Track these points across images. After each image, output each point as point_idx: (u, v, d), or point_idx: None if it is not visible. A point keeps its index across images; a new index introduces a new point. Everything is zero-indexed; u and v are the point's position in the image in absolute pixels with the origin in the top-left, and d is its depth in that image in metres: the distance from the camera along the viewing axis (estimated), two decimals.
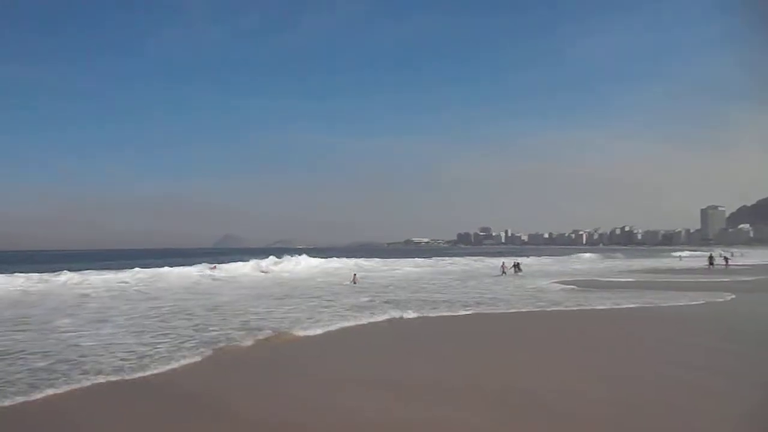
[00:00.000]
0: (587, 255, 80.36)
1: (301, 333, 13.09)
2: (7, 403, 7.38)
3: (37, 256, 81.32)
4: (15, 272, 29.64)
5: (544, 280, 32.01)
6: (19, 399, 7.51)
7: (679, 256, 76.27)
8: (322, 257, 50.09)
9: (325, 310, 17.36)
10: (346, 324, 14.58)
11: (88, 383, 8.36)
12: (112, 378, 8.67)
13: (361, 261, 51.76)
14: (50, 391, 7.87)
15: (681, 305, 18.39)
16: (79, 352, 10.51)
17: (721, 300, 19.92)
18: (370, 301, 20.09)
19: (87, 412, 7.21)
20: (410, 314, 16.31)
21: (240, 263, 40.74)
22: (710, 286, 25.86)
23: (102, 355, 10.27)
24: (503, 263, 41.00)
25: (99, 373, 8.87)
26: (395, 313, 16.45)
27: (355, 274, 31.52)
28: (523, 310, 17.73)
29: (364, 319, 15.39)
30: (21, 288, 25.26)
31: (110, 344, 11.34)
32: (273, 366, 9.87)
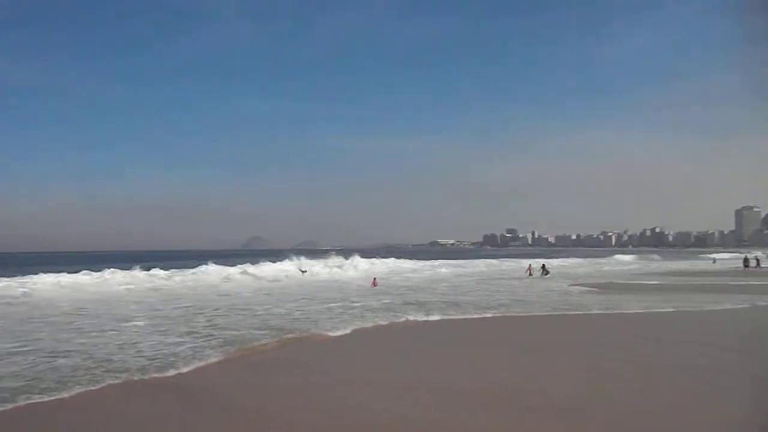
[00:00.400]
0: (627, 257, 78.59)
1: (329, 334, 13.40)
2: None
3: (81, 258, 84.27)
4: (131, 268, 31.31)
5: (572, 282, 31.81)
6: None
7: (713, 259, 74.95)
8: (358, 258, 48.43)
9: (349, 311, 17.65)
10: (366, 325, 14.85)
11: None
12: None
13: (400, 262, 51.26)
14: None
15: (719, 309, 18.18)
16: None
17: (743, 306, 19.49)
18: (394, 302, 20.27)
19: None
20: (434, 317, 16.44)
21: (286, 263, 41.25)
22: (746, 289, 25.48)
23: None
24: (530, 265, 41.21)
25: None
26: (418, 315, 16.61)
27: (375, 278, 31.48)
28: (547, 313, 17.61)
29: (387, 321, 15.61)
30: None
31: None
32: (298, 366, 10.00)
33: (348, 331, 13.97)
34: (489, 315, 17.18)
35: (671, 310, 18.07)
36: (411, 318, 16.27)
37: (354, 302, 20.41)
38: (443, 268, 47.80)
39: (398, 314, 16.93)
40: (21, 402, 7.51)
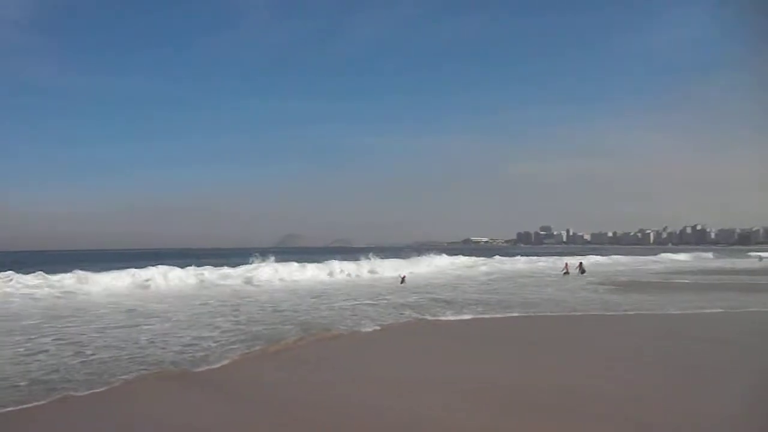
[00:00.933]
0: (679, 256, 75.09)
1: (356, 330, 13.63)
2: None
3: (126, 255, 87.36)
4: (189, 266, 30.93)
5: (610, 280, 31.36)
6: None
7: (759, 256, 72.60)
8: (391, 257, 46.53)
9: (377, 308, 17.85)
10: (391, 322, 15.03)
11: None
12: None
13: (436, 260, 49.23)
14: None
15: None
16: None
17: None
18: (419, 300, 20.36)
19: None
20: (464, 315, 16.43)
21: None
22: None
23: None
24: (566, 263, 41.02)
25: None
26: (445, 313, 16.72)
27: (404, 276, 31.30)
28: (580, 313, 17.39)
29: (412, 319, 15.72)
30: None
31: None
32: (322, 362, 10.15)
33: (374, 328, 14.15)
34: (516, 314, 17.03)
35: (730, 310, 17.73)
36: (431, 317, 16.28)
37: (384, 299, 20.65)
38: (483, 266, 46.98)
39: (424, 312, 17.05)
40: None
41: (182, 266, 30.50)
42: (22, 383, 8.48)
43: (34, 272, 24.39)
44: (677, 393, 7.99)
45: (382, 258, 42.00)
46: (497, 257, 57.08)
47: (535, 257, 63.18)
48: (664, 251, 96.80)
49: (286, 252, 67.77)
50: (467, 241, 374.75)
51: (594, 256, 63.27)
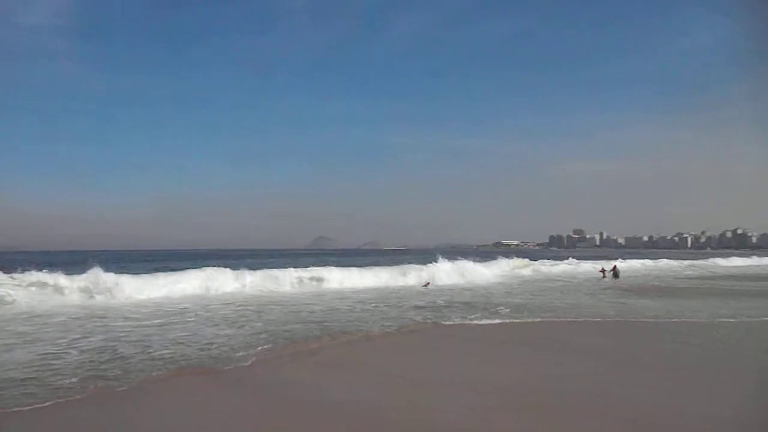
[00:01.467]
0: (739, 261, 70.43)
1: (376, 332, 13.97)
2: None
3: (173, 255, 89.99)
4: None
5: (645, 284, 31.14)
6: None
7: None
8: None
9: (398, 312, 18.23)
10: (410, 326, 15.33)
11: None
12: None
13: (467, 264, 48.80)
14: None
15: None
16: None
17: None
18: (439, 303, 20.58)
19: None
20: (495, 320, 16.53)
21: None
22: None
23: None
24: (602, 267, 40.83)
25: None
26: (477, 318, 16.86)
27: (428, 282, 31.29)
28: (604, 319, 17.29)
29: (429, 323, 15.95)
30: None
31: None
32: (343, 364, 10.50)
33: (394, 330, 14.55)
34: (548, 318, 17.03)
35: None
36: (458, 321, 16.50)
37: (405, 303, 21.08)
38: (525, 269, 45.80)
39: (445, 316, 17.31)
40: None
41: (234, 267, 29.39)
42: (72, 379, 9.09)
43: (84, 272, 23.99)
44: (714, 403, 7.99)
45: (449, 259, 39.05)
46: (541, 260, 54.76)
47: (574, 260, 61.13)
48: (705, 256, 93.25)
49: (322, 254, 68.36)
50: (498, 244, 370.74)
51: (648, 261, 61.64)
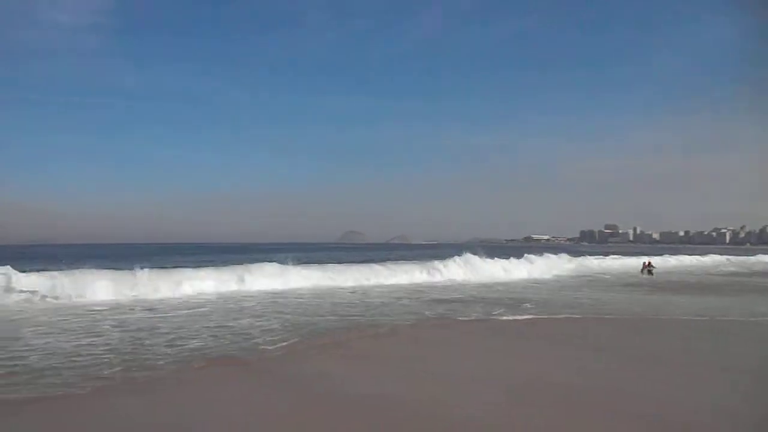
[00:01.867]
0: None
1: (398, 325, 14.08)
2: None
3: (212, 249, 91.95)
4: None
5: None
6: None
7: None
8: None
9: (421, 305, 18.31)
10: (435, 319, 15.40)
11: None
12: None
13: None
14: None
15: None
16: None
17: None
18: (464, 298, 20.60)
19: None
20: (521, 316, 16.52)
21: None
22: None
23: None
24: (643, 263, 40.14)
25: None
26: (509, 313, 16.88)
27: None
28: (630, 316, 17.09)
29: (473, 316, 16.00)
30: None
31: None
32: (364, 356, 10.66)
33: (419, 324, 14.71)
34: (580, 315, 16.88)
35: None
36: (485, 316, 16.49)
37: (430, 297, 21.22)
38: (569, 264, 43.92)
39: (468, 311, 17.30)
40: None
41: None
42: (105, 371, 9.47)
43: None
44: (730, 400, 7.96)
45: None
46: (585, 256, 53.35)
47: (617, 256, 59.45)
48: (747, 252, 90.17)
49: (352, 249, 68.77)
50: (528, 238, 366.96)
51: (702, 257, 60.44)
